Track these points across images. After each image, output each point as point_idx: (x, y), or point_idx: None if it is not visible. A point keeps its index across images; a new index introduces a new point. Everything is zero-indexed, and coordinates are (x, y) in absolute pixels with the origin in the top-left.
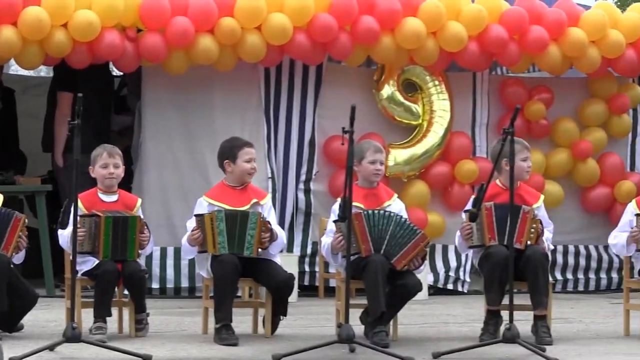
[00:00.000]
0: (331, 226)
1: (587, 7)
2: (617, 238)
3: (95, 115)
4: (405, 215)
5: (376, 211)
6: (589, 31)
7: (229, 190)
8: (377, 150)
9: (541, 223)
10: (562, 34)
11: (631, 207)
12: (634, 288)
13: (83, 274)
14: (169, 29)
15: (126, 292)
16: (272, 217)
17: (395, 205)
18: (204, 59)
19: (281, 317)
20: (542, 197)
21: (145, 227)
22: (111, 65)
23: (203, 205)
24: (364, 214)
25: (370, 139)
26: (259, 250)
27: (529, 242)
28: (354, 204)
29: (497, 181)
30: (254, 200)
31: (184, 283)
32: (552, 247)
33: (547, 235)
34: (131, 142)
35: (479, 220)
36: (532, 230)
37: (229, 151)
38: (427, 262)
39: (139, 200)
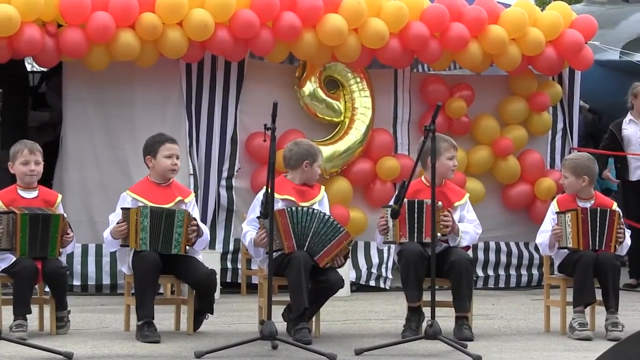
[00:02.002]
0: (252, 214)
1: (507, 5)
2: (543, 238)
3: (12, 111)
4: (327, 204)
5: (300, 208)
6: (509, 29)
7: (153, 187)
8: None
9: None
10: (483, 32)
11: (553, 207)
12: (554, 284)
13: (2, 271)
14: (89, 25)
15: (47, 289)
16: (195, 214)
17: (325, 200)
18: (124, 55)
19: (207, 315)
20: (467, 195)
21: (69, 226)
22: (29, 60)
23: (127, 200)
24: (287, 210)
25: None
26: (187, 247)
27: (439, 234)
28: (285, 196)
29: (422, 178)
30: (179, 198)
31: (106, 280)
32: (467, 242)
33: (465, 228)
34: (50, 138)
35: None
36: (444, 220)
37: (150, 147)
38: (349, 258)
39: (59, 197)
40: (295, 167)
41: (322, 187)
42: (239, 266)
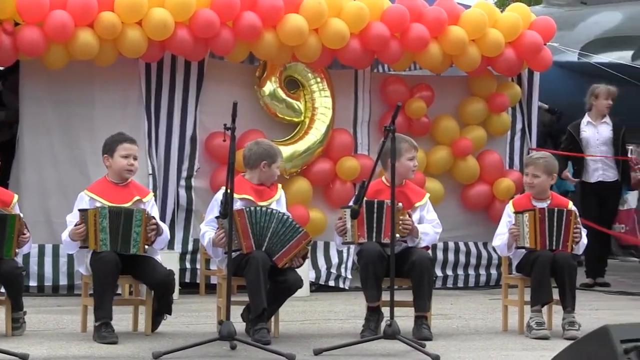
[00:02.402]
0: (211, 214)
1: (467, 7)
2: (501, 240)
3: None
4: (284, 201)
5: (258, 208)
6: (469, 30)
7: (111, 186)
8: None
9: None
10: (443, 33)
11: (509, 209)
12: (512, 284)
13: None
14: (47, 23)
15: (2, 290)
16: (154, 214)
17: (282, 199)
18: (83, 54)
19: (165, 316)
20: (427, 195)
21: (25, 227)
22: None
23: (84, 200)
24: (246, 210)
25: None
26: (146, 247)
27: (398, 236)
28: (243, 196)
29: (383, 178)
30: (137, 198)
31: (63, 281)
32: (426, 242)
33: (425, 229)
34: (6, 138)
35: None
36: (404, 224)
37: (109, 145)
38: (308, 259)
39: (16, 197)
40: (254, 167)
41: (279, 186)
42: (198, 266)
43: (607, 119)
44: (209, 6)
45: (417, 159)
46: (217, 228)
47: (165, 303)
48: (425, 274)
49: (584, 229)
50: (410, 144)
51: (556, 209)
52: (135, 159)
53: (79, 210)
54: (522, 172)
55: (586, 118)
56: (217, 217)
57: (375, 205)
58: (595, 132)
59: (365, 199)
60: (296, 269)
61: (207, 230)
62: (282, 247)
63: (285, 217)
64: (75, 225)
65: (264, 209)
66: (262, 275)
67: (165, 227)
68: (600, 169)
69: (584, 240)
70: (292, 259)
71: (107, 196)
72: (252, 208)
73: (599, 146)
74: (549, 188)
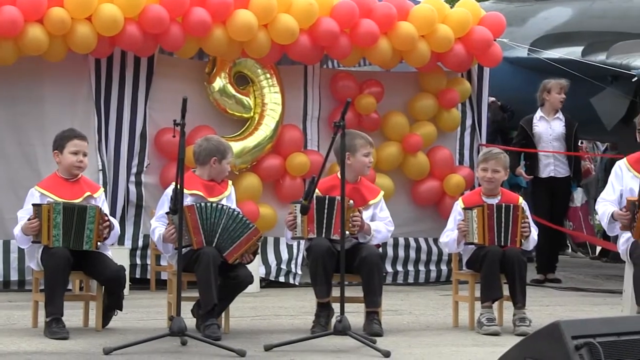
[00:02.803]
0: (161, 210)
1: (416, 2)
2: (449, 236)
3: None
4: (234, 197)
5: (209, 204)
6: (418, 26)
7: (61, 182)
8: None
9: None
10: (392, 28)
11: (458, 206)
12: (462, 280)
13: None
14: None
15: None
16: (105, 209)
17: (232, 196)
18: (33, 50)
19: (116, 312)
20: (381, 193)
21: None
22: None
23: (35, 196)
24: (196, 206)
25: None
26: (98, 243)
27: (348, 233)
28: (193, 191)
29: (338, 174)
30: (87, 194)
31: (14, 276)
32: (378, 240)
33: (377, 227)
34: None
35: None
36: (354, 221)
37: (59, 141)
38: (259, 254)
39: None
40: (204, 163)
41: (230, 182)
42: (148, 262)
43: (560, 115)
44: (158, 2)
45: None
46: (167, 224)
47: (116, 299)
48: (375, 270)
49: (535, 226)
50: (365, 140)
51: (504, 204)
52: (85, 155)
53: (33, 205)
54: (472, 168)
55: (539, 113)
56: (167, 213)
57: (326, 202)
58: (548, 127)
59: (316, 194)
60: (246, 265)
61: (158, 226)
62: (232, 243)
63: (235, 213)
64: (29, 219)
65: (214, 204)
66: (213, 271)
67: (115, 223)
68: (552, 165)
69: (534, 236)
70: (242, 254)
71: (57, 192)
72: (203, 204)
73: (552, 142)
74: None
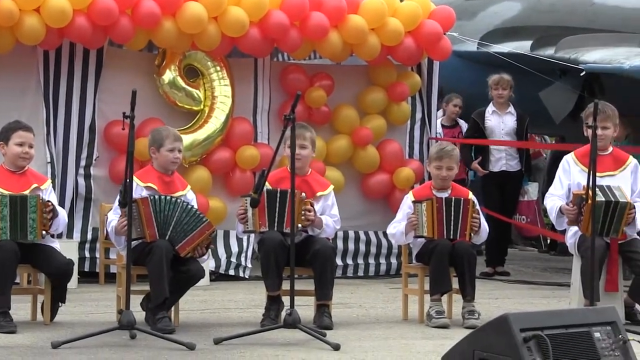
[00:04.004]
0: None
1: None
2: (396, 228)
3: None
4: (196, 206)
5: (163, 196)
6: (368, 19)
7: (8, 174)
8: (177, 138)
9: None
10: (342, 21)
11: (408, 199)
12: (412, 273)
13: None
14: None
15: None
16: (53, 200)
17: (189, 196)
18: None
19: (60, 304)
20: (331, 186)
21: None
22: None
23: None
24: (150, 198)
25: (167, 126)
26: (44, 233)
27: (300, 226)
28: (148, 184)
29: (288, 167)
30: (34, 185)
31: None
32: (325, 235)
33: (327, 221)
34: None
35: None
36: (306, 214)
37: (4, 133)
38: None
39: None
40: (150, 155)
41: (189, 186)
42: (97, 255)
43: (512, 109)
44: None
45: (317, 148)
46: (120, 216)
47: (60, 291)
48: (328, 263)
49: (484, 219)
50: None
51: (454, 198)
52: (30, 147)
53: None
54: (422, 161)
55: (491, 107)
56: (119, 205)
57: (278, 194)
58: (500, 121)
59: (267, 187)
60: (200, 261)
61: (113, 218)
62: (185, 237)
63: (189, 206)
64: None
65: (168, 197)
66: (165, 264)
67: (62, 211)
68: (504, 159)
69: (485, 229)
70: (194, 248)
71: (4, 184)
72: (157, 196)
73: (503, 136)
74: None
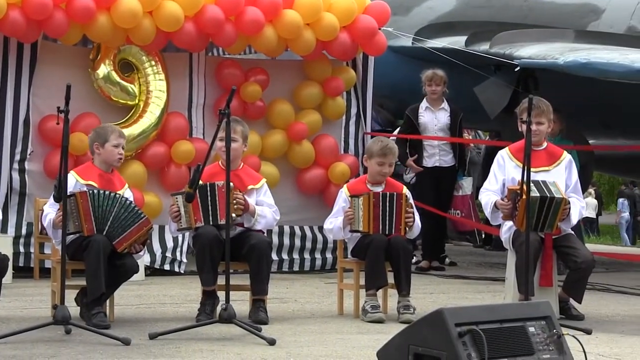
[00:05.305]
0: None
1: None
2: (333, 223)
3: None
4: (133, 203)
5: (102, 191)
6: (303, 14)
7: None
8: (121, 135)
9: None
10: (278, 16)
11: (343, 194)
12: (347, 268)
13: None
14: None
15: None
16: None
17: (127, 194)
18: None
19: None
20: (263, 179)
21: None
22: None
23: None
24: (89, 193)
25: (111, 124)
26: None
27: (234, 215)
28: (88, 182)
29: (219, 162)
30: None
31: None
32: (262, 225)
33: (263, 212)
34: None
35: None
36: (237, 202)
37: None
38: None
39: None
40: (92, 152)
41: (126, 184)
42: (32, 250)
43: (445, 105)
44: None
45: (252, 143)
46: (58, 209)
47: None
48: (264, 257)
49: (417, 213)
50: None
51: (388, 193)
52: None
53: None
54: (357, 156)
55: (424, 103)
56: (55, 201)
57: (208, 188)
58: (434, 117)
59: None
60: (136, 257)
61: (50, 211)
62: (123, 232)
63: (128, 202)
64: None
65: (107, 192)
66: (103, 259)
67: None
68: (437, 155)
69: (418, 224)
70: (131, 244)
71: None
72: (95, 191)
73: (437, 132)
74: None
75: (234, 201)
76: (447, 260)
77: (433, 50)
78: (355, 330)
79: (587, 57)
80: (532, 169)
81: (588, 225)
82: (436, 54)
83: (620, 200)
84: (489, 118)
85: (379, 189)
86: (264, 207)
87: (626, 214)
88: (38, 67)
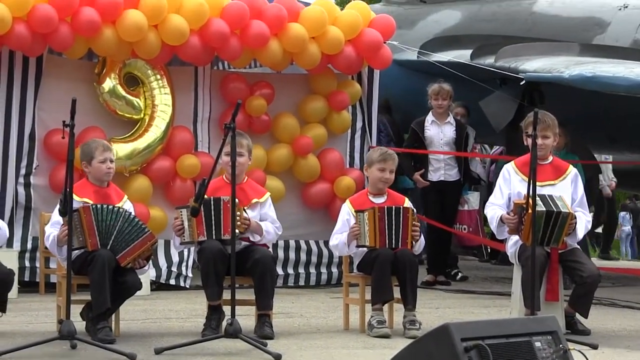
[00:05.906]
0: (55, 217)
1: (307, 4)
2: (338, 239)
3: None
4: (137, 218)
5: (105, 206)
6: (308, 27)
7: None
8: (106, 148)
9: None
10: (283, 30)
11: (346, 208)
12: (353, 282)
13: None
14: None
15: None
16: None
17: (126, 206)
18: None
19: (0, 314)
20: (267, 193)
21: None
22: None
23: None
24: (92, 207)
25: (95, 138)
26: None
27: (238, 232)
28: (84, 199)
29: (224, 176)
30: None
31: None
32: (265, 241)
33: (267, 227)
34: None
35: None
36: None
37: None
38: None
39: None
40: (84, 169)
41: (125, 196)
42: (37, 265)
43: (451, 119)
44: (47, 1)
45: (257, 157)
46: (62, 224)
47: (1, 301)
48: (268, 272)
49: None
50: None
51: (394, 207)
52: None
53: None
54: (362, 170)
55: (430, 117)
56: (60, 214)
57: (212, 203)
58: (439, 131)
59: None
60: (140, 273)
61: (52, 232)
62: (126, 246)
63: (132, 216)
64: None
65: (110, 206)
66: (107, 274)
67: (3, 224)
68: (442, 169)
69: (422, 240)
70: (135, 259)
71: None
72: (99, 205)
73: (442, 146)
74: None
75: (238, 219)
76: (460, 274)
77: (438, 64)
78: (361, 345)
79: (593, 70)
80: (537, 183)
81: (594, 240)
82: (441, 67)
83: (622, 214)
84: (494, 132)
85: (382, 200)
86: (267, 222)
87: (627, 228)
88: (43, 81)
